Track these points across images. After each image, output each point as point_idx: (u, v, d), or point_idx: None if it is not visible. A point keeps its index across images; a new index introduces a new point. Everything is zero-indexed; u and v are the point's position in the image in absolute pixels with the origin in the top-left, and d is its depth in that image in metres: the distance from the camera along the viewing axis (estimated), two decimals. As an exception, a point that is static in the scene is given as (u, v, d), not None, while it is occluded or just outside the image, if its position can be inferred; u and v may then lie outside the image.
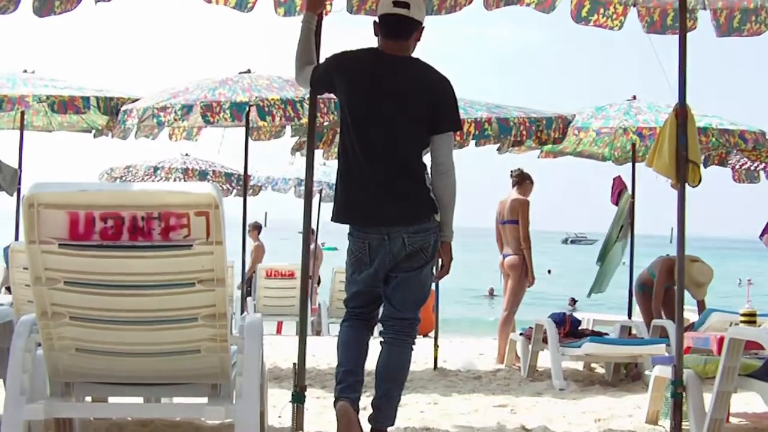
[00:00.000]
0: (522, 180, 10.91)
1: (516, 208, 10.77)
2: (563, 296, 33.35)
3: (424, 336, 13.87)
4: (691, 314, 10.71)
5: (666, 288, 10.80)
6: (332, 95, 6.62)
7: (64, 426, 5.16)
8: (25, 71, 10.93)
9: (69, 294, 4.29)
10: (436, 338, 10.50)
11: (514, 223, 10.72)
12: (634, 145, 11.53)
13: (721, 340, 6.17)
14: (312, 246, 18.31)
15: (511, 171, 11.02)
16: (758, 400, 6.00)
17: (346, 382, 5.41)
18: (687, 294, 10.67)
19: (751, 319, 7.70)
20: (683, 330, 6.68)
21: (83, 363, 4.60)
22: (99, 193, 4.24)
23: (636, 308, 12.37)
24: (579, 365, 10.42)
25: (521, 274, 10.73)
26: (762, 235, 11.74)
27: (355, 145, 5.46)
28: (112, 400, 5.23)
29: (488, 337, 13.99)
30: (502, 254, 10.97)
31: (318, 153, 10.87)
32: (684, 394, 6.31)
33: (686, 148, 6.51)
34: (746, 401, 7.33)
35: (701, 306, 11.14)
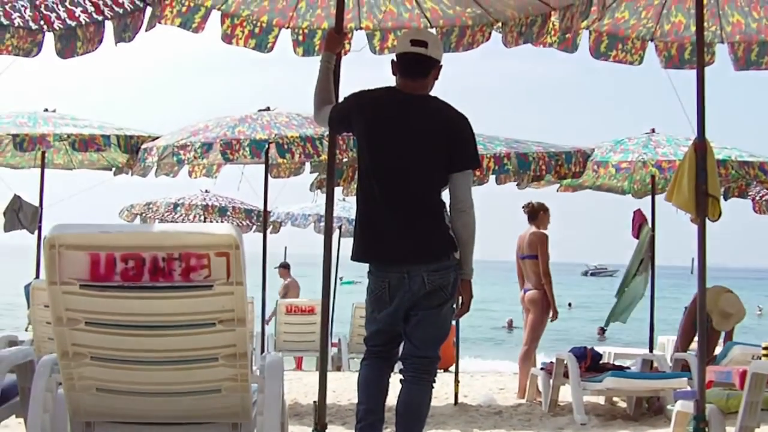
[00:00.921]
0: (535, 213, 10.90)
1: (534, 242, 10.75)
2: (584, 329, 33.24)
3: (444, 371, 13.84)
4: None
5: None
6: (350, 132, 6.66)
7: (85, 466, 5.15)
8: (46, 110, 11.01)
9: (90, 334, 4.30)
10: (456, 373, 10.48)
11: (534, 258, 10.71)
12: (653, 177, 11.52)
13: (743, 374, 6.14)
14: (288, 280, 18.48)
15: (523, 206, 11.02)
16: (782, 434, 5.96)
17: (367, 421, 5.41)
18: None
19: (773, 352, 7.65)
20: (705, 364, 6.65)
21: (104, 403, 4.61)
22: (120, 234, 4.27)
23: (659, 340, 12.33)
24: (600, 399, 10.37)
25: (542, 308, 10.70)
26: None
27: (374, 183, 5.47)
28: (133, 439, 5.23)
29: (509, 371, 13.94)
30: (522, 289, 10.95)
31: (337, 189, 10.90)
32: (707, 429, 6.27)
33: (706, 182, 6.51)
34: (770, 436, 7.28)
35: (728, 338, 11.09)
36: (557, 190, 12.49)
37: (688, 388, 7.97)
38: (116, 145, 10.28)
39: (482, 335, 38.35)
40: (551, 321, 10.86)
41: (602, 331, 27.46)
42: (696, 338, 10.74)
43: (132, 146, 10.28)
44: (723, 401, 6.26)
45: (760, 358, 7.68)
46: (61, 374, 4.46)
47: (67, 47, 6.39)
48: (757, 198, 12.61)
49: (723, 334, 11.07)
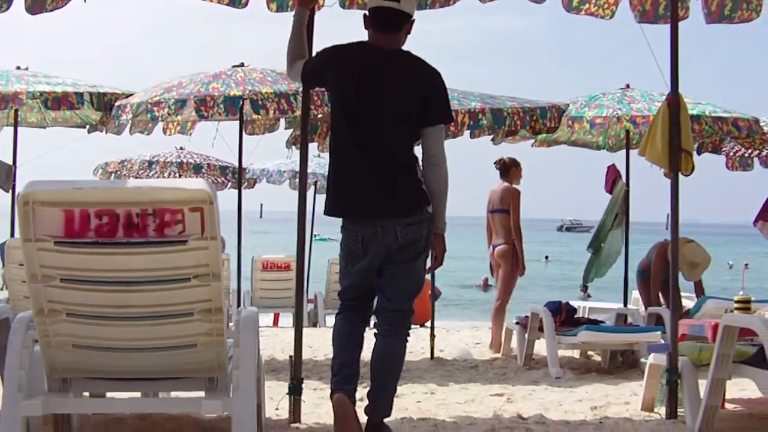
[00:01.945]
0: (506, 168, 10.94)
1: (506, 197, 10.79)
2: (560, 283, 33.41)
3: (420, 326, 13.91)
4: (689, 302, 10.75)
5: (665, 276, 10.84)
6: (324, 87, 6.65)
7: (62, 422, 5.17)
8: (19, 68, 10.93)
9: (65, 291, 4.31)
10: (432, 328, 10.53)
11: (505, 212, 10.76)
12: (628, 132, 11.55)
13: (715, 327, 6.20)
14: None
15: (495, 162, 11.05)
16: (753, 386, 6.04)
17: (342, 374, 5.44)
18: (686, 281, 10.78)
19: (745, 305, 7.71)
20: (678, 317, 6.72)
21: (80, 359, 4.62)
22: (94, 190, 4.26)
23: (633, 295, 12.41)
24: (575, 353, 10.46)
25: (512, 263, 10.76)
26: (756, 221, 11.76)
27: (347, 138, 5.48)
28: (109, 395, 5.26)
29: (484, 326, 14.01)
30: (491, 245, 11.00)
31: (312, 145, 10.88)
32: (679, 382, 6.35)
33: (679, 136, 6.54)
34: (741, 387, 7.36)
35: (698, 289, 11.19)
36: (532, 146, 12.51)
37: (662, 342, 8.04)
38: (89, 103, 10.21)
39: (456, 293, 38.50)
40: (520, 276, 10.92)
41: (585, 289, 27.54)
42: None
43: (105, 103, 10.22)
44: (695, 354, 6.33)
45: (733, 312, 7.75)
46: (37, 331, 4.47)
47: (36, 3, 6.34)
48: (731, 154, 12.66)
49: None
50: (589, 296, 26.51)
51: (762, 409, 6.72)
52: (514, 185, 10.91)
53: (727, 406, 6.85)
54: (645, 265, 11.35)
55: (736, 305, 7.89)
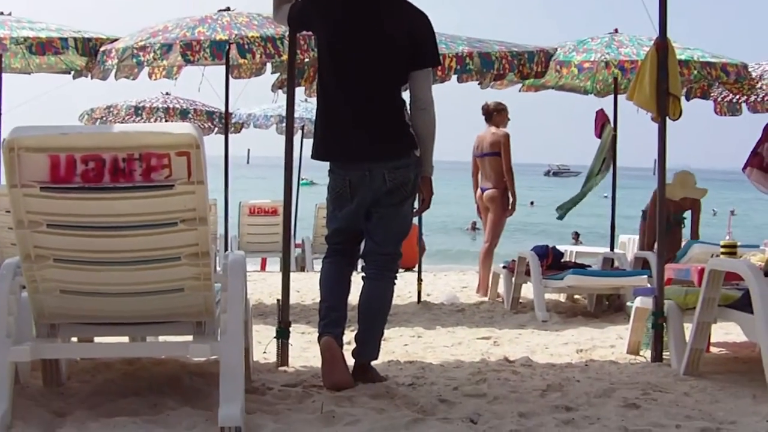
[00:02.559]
0: (490, 113, 10.95)
1: (497, 141, 10.79)
2: (545, 228, 33.48)
3: (407, 270, 13.96)
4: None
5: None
6: (311, 32, 6.61)
7: (51, 367, 5.20)
8: (2, 13, 10.81)
9: (52, 236, 4.30)
10: (419, 272, 10.58)
11: (495, 155, 10.76)
12: (616, 78, 11.52)
13: (701, 272, 6.23)
14: None
15: (481, 107, 11.07)
16: (738, 330, 6.08)
17: (330, 318, 5.47)
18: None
19: (731, 250, 7.77)
20: (664, 261, 6.75)
21: (68, 304, 4.63)
22: (79, 135, 4.23)
23: (620, 239, 12.47)
24: (562, 297, 10.52)
25: (501, 206, 10.81)
26: (745, 167, 11.78)
27: (334, 82, 5.46)
28: (97, 340, 5.27)
29: (471, 270, 14.06)
30: (480, 188, 11.02)
31: (299, 90, 10.83)
32: (665, 325, 6.39)
33: (667, 81, 6.53)
34: (726, 331, 7.42)
35: (695, 215, 11.22)
36: (519, 90, 12.47)
37: (648, 286, 8.09)
38: (74, 48, 10.12)
39: (445, 237, 38.60)
40: (509, 216, 10.96)
41: (576, 235, 27.59)
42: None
43: (90, 49, 10.13)
44: (681, 297, 6.36)
45: (719, 256, 7.79)
46: (24, 277, 4.46)
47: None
48: (719, 99, 12.64)
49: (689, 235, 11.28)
50: (580, 243, 26.61)
51: (746, 352, 6.77)
52: (501, 128, 10.91)
53: (712, 349, 6.90)
54: (648, 207, 11.43)
55: (722, 250, 7.94)
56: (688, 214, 11.49)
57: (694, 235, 11.21)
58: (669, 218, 10.98)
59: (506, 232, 11.18)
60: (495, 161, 10.79)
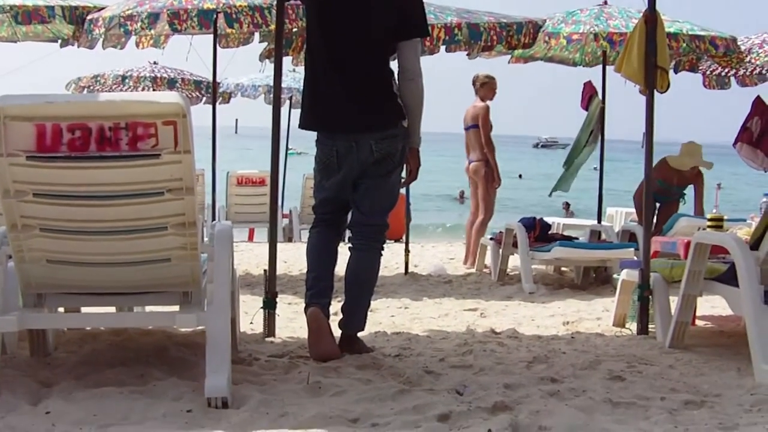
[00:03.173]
0: (475, 84, 10.99)
1: (476, 113, 10.85)
2: (534, 200, 33.52)
3: (395, 241, 13.97)
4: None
5: (661, 202, 10.98)
6: (299, 1, 6.58)
7: (38, 337, 5.19)
8: (-13, -19, 10.73)
9: (38, 206, 4.28)
10: (407, 243, 10.59)
11: (477, 128, 10.80)
12: (604, 51, 11.50)
13: (687, 245, 6.25)
14: None
15: (471, 79, 11.11)
16: (723, 303, 6.10)
17: (316, 288, 5.47)
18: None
19: (718, 224, 7.78)
20: (651, 234, 6.76)
21: (55, 274, 4.62)
22: (66, 104, 4.21)
23: (608, 212, 12.48)
24: (549, 269, 10.54)
25: (486, 179, 10.84)
26: (735, 142, 11.80)
27: (322, 52, 5.45)
28: (84, 310, 5.27)
29: (459, 242, 14.07)
30: (468, 159, 11.06)
31: (287, 59, 10.80)
32: (651, 298, 6.41)
33: (655, 54, 6.53)
34: (712, 304, 7.45)
35: (698, 203, 11.23)
36: (509, 62, 12.45)
37: (635, 259, 8.10)
38: (61, 17, 10.06)
39: (433, 204, 38.67)
40: (497, 188, 10.99)
41: (567, 206, 27.57)
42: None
43: (77, 17, 10.07)
44: (667, 270, 6.38)
45: (706, 230, 7.81)
46: (11, 247, 4.45)
47: None
48: (708, 73, 12.63)
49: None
50: (572, 214, 26.64)
51: (731, 326, 6.80)
52: (486, 101, 10.93)
53: (698, 322, 6.93)
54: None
55: (708, 223, 7.96)
56: (688, 190, 11.48)
57: (699, 210, 11.20)
58: (671, 191, 11.04)
59: (495, 205, 11.20)
60: (477, 134, 10.84)
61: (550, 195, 11.68)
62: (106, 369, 4.84)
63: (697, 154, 11.24)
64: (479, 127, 10.79)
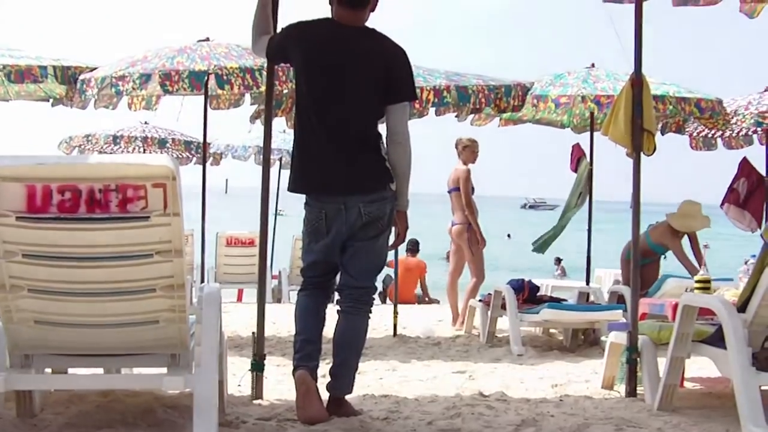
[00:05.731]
0: (458, 148, 11.11)
1: (457, 176, 10.97)
2: (523, 260, 33.45)
3: (383, 302, 13.96)
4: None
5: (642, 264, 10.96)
6: (288, 63, 6.63)
7: (25, 398, 5.16)
8: (-22, 41, 10.80)
9: (27, 267, 4.29)
10: (395, 305, 10.57)
11: (457, 190, 10.91)
12: (592, 113, 11.59)
13: (675, 307, 6.25)
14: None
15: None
16: (711, 365, 6.10)
17: (304, 351, 5.46)
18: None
19: (705, 285, 7.77)
20: (638, 296, 6.77)
21: (42, 335, 4.61)
22: (56, 165, 4.23)
23: (596, 273, 12.48)
24: (538, 331, 10.52)
25: (471, 241, 10.91)
26: (722, 204, 11.85)
27: (312, 115, 5.48)
28: (72, 371, 5.25)
29: (448, 303, 14.06)
30: (451, 222, 11.18)
31: (278, 121, 10.86)
32: (639, 360, 6.41)
33: (641, 117, 6.58)
34: (700, 366, 7.42)
35: (698, 257, 11.17)
36: (498, 125, 12.55)
37: (623, 320, 8.11)
38: (53, 76, 10.11)
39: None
40: (483, 248, 11.03)
41: (559, 261, 27.50)
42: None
43: (69, 77, 10.12)
44: (655, 333, 6.39)
45: (693, 291, 7.82)
46: (-1, 307, 4.45)
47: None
48: (694, 134, 12.75)
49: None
50: (564, 269, 26.64)
51: (720, 388, 6.79)
52: (467, 164, 11.03)
53: (686, 384, 6.92)
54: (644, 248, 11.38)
55: (696, 285, 7.96)
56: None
57: (692, 267, 11.11)
58: (656, 252, 10.97)
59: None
60: (458, 196, 10.97)
61: (539, 251, 11.69)
62: (94, 431, 4.81)
63: (699, 213, 11.15)
64: (459, 190, 10.90)
